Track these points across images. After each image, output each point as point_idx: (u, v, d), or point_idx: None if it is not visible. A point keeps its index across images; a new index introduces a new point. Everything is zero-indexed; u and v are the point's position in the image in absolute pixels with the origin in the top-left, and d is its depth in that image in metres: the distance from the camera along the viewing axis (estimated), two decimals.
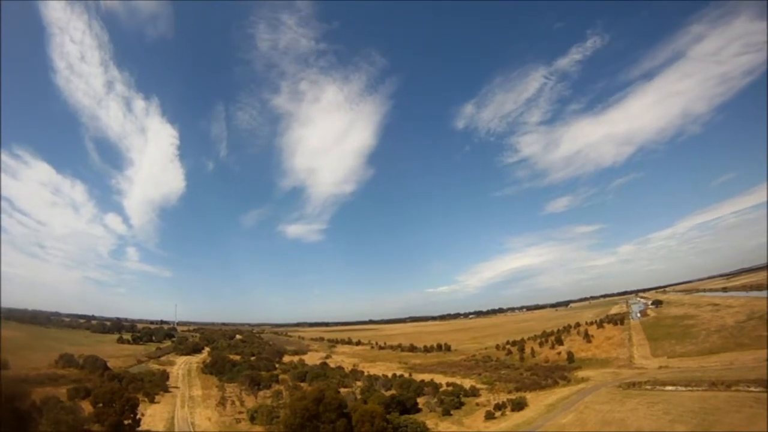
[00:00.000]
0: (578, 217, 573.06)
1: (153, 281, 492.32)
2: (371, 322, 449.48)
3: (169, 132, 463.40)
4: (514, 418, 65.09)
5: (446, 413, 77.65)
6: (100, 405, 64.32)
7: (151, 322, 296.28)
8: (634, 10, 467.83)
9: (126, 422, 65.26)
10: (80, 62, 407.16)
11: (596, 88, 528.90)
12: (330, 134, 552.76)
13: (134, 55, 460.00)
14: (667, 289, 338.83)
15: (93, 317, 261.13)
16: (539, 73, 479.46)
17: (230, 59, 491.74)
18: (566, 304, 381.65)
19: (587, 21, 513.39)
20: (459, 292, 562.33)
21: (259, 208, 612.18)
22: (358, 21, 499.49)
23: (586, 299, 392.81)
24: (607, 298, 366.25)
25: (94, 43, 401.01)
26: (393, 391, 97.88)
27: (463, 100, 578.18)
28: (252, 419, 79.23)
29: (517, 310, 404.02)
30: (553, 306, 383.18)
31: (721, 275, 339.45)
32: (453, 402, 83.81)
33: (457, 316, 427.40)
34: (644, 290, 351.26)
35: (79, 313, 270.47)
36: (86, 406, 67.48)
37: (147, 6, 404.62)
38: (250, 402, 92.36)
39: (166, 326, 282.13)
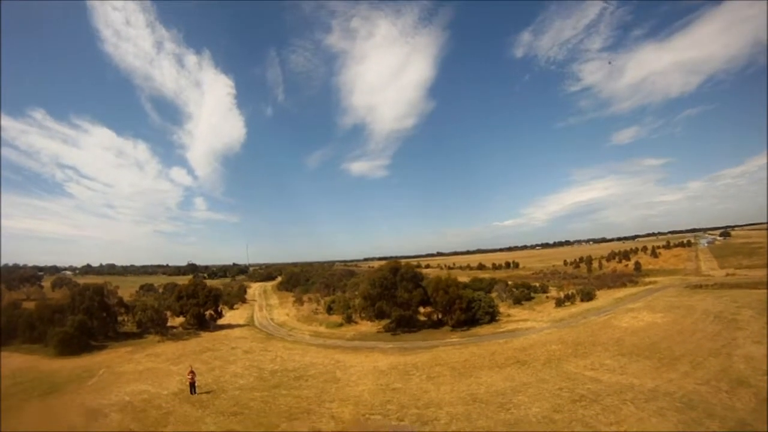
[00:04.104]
0: (645, 150, 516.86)
1: (222, 228, 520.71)
2: (439, 254, 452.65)
3: (224, 82, 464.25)
4: (584, 305, 66.00)
5: (517, 302, 77.56)
6: (183, 298, 65.67)
7: (224, 266, 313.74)
8: None
9: (207, 313, 66.63)
10: (126, 27, 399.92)
11: (660, 12, 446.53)
12: (387, 69, 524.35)
13: (179, 11, 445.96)
14: (735, 228, 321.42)
15: (167, 266, 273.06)
16: None
17: (277, 3, 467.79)
18: (633, 238, 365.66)
19: None
20: (525, 226, 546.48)
21: (322, 148, 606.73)
22: None
23: (653, 234, 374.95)
24: (675, 235, 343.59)
25: (137, 7, 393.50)
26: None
27: (520, 27, 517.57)
28: (329, 310, 79.46)
29: (583, 243, 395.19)
30: (619, 239, 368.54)
31: None
32: (523, 293, 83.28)
33: (524, 247, 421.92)
34: (713, 228, 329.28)
35: (154, 263, 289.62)
36: None
37: None
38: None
39: (238, 267, 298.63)
